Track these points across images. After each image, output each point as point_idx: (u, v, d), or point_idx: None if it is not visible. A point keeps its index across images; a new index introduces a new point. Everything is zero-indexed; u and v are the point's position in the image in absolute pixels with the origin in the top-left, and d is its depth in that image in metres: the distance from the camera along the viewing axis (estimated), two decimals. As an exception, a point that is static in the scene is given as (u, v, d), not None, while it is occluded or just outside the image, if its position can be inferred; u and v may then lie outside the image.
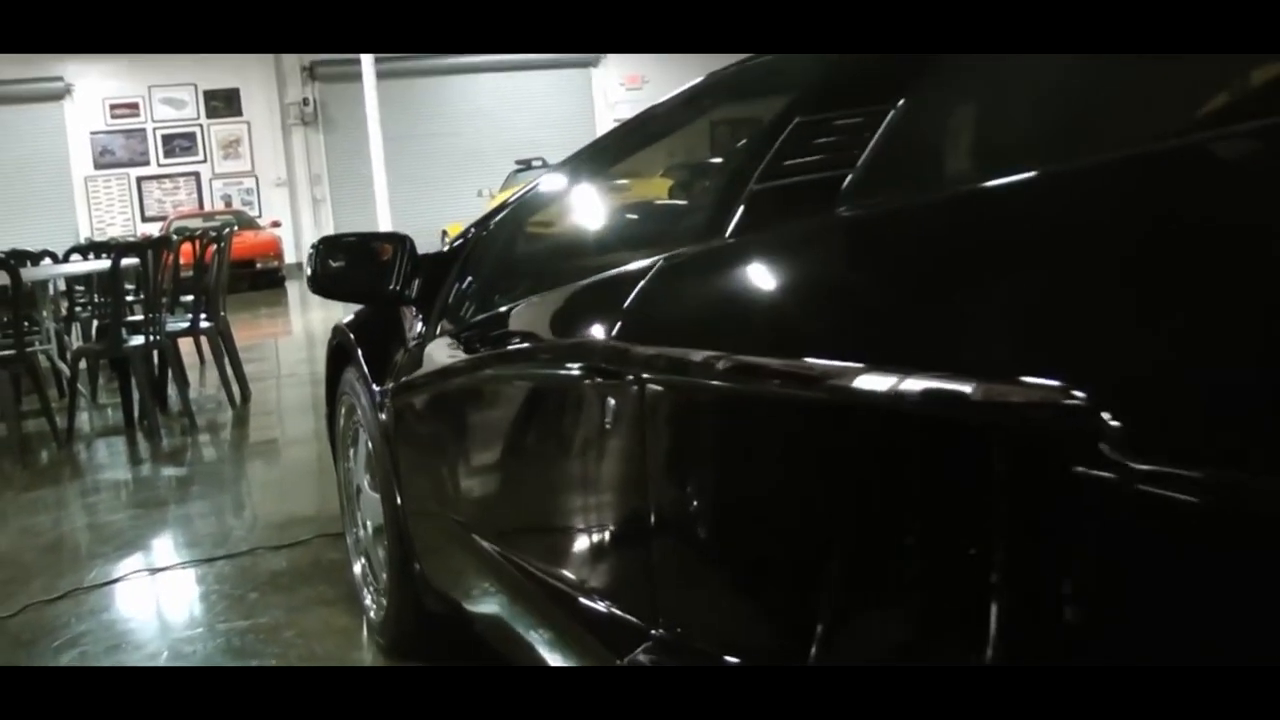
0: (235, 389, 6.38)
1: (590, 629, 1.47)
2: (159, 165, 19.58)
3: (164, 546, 3.81)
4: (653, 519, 1.29)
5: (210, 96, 19.65)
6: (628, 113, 1.80)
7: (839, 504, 1.00)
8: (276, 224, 18.45)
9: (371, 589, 2.77)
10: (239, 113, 19.81)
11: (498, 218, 2.32)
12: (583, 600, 1.50)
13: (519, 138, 18.59)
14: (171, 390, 6.26)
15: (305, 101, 19.76)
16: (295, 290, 15.63)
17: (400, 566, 2.45)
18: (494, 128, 19.78)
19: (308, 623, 2.94)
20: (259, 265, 16.16)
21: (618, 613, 1.40)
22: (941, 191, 1.15)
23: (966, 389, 0.82)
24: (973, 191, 1.07)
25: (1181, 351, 0.71)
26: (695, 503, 1.27)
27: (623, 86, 20.05)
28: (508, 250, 2.32)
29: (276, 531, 3.77)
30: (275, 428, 6.24)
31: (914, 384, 0.87)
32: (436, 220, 16.88)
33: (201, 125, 19.69)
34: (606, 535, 1.47)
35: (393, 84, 17.10)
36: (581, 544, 1.55)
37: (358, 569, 2.86)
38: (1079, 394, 0.71)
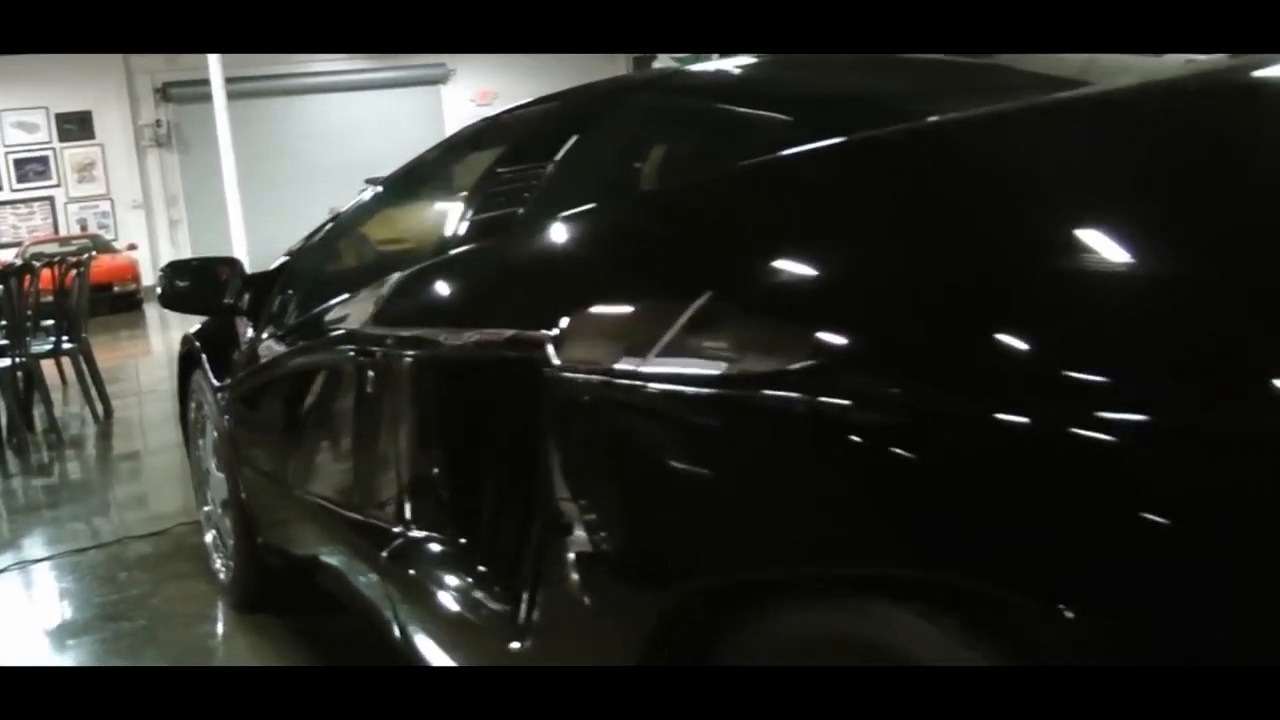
0: (99, 406, 6.76)
1: (368, 539, 2.04)
2: (11, 190, 19.34)
3: (39, 543, 4.24)
4: (394, 452, 1.88)
5: (63, 119, 19.47)
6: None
7: (451, 427, 1.61)
8: (133, 247, 18.43)
9: (221, 555, 3.29)
10: (92, 135, 19.67)
11: (309, 242, 2.89)
12: (362, 519, 2.07)
13: (371, 156, 18.25)
14: (37, 410, 6.60)
15: (159, 123, 19.72)
16: (154, 313, 15.73)
17: (243, 532, 2.98)
18: (346, 146, 19.86)
19: (171, 591, 3.44)
20: (117, 289, 16.15)
21: (384, 525, 1.97)
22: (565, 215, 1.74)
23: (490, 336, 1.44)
24: (579, 212, 1.67)
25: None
26: (413, 436, 1.86)
27: (473, 103, 20.33)
28: (316, 267, 2.88)
29: (142, 526, 4.24)
30: (137, 440, 6.64)
31: (474, 338, 1.49)
32: (291, 238, 16.90)
33: (54, 149, 19.51)
34: (371, 469, 2.04)
35: (245, 104, 17.17)
36: (358, 479, 2.12)
37: (209, 539, 3.39)
38: (549, 335, 1.31)
